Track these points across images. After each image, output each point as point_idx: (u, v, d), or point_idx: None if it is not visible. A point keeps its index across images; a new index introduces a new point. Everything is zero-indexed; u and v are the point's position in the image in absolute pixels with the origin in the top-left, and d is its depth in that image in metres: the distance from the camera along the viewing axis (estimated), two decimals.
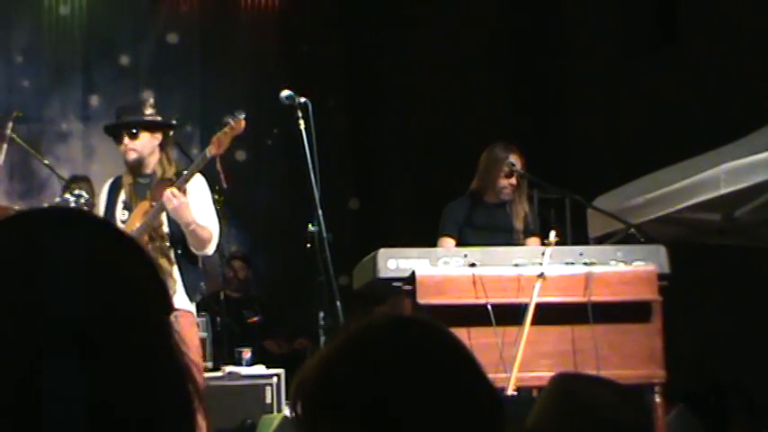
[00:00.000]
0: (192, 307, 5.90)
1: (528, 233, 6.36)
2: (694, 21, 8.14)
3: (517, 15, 9.71)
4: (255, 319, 9.17)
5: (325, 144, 5.94)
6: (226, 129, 5.70)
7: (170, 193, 5.62)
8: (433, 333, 1.53)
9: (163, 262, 5.81)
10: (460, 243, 6.44)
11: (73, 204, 6.33)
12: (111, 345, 1.09)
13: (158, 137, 6.00)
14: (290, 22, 10.39)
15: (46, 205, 6.16)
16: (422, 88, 9.74)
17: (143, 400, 1.09)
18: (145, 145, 5.94)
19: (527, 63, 9.55)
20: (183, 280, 5.87)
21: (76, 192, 6.46)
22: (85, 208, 6.81)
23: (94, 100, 10.27)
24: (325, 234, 5.62)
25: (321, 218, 5.65)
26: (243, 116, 5.72)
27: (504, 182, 6.46)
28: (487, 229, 6.49)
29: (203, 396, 1.15)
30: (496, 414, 1.50)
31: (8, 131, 7.49)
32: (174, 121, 6.30)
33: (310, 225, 5.69)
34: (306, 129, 5.73)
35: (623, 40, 8.36)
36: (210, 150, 5.70)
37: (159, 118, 6.10)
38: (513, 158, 6.47)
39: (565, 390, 2.45)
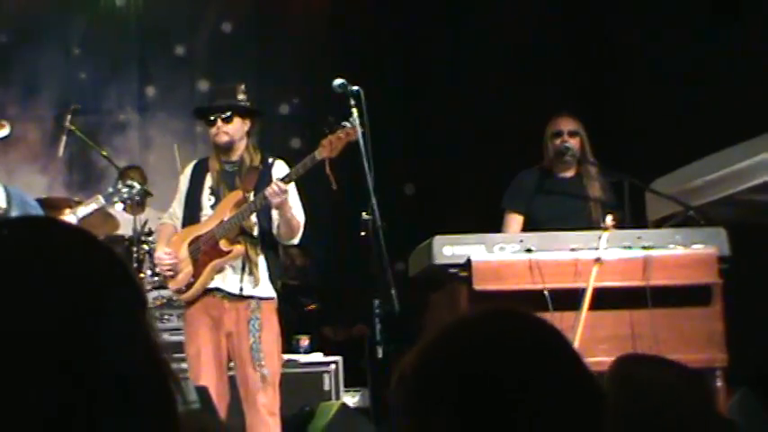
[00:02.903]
0: (274, 294, 5.97)
1: (606, 208, 6.28)
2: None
3: None
4: (313, 306, 9.19)
5: (380, 130, 5.94)
6: (340, 133, 5.71)
7: (276, 189, 5.64)
8: (527, 323, 1.55)
9: (251, 253, 5.88)
10: (530, 216, 6.42)
11: (125, 194, 6.38)
12: (99, 347, 1.11)
13: (248, 123, 6.08)
14: (345, 10, 10.37)
15: (83, 209, 6.20)
16: (477, 72, 9.69)
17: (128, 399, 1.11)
18: (237, 129, 6.01)
19: (583, 46, 9.46)
20: (267, 269, 5.93)
21: (128, 182, 6.50)
22: (137, 198, 6.86)
23: (150, 91, 10.33)
24: (379, 222, 5.62)
25: (375, 206, 5.65)
26: (358, 122, 5.71)
27: (557, 147, 6.44)
28: (560, 198, 6.46)
29: (184, 392, 1.19)
30: (600, 400, 1.50)
31: (67, 124, 7.58)
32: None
33: (364, 213, 5.69)
34: (359, 116, 5.73)
35: (684, 19, 8.25)
36: (321, 153, 5.72)
37: (249, 104, 6.15)
38: (564, 123, 6.46)
39: (625, 372, 2.44)
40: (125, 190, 6.36)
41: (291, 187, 5.89)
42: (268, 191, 5.69)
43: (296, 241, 6.05)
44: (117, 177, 8.03)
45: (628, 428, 2.20)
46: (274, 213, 5.86)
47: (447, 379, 1.46)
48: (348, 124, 5.71)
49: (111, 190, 6.41)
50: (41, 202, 6.89)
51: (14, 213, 6.11)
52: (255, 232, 5.95)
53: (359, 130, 5.69)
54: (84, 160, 9.52)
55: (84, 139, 7.64)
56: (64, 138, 7.61)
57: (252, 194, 5.91)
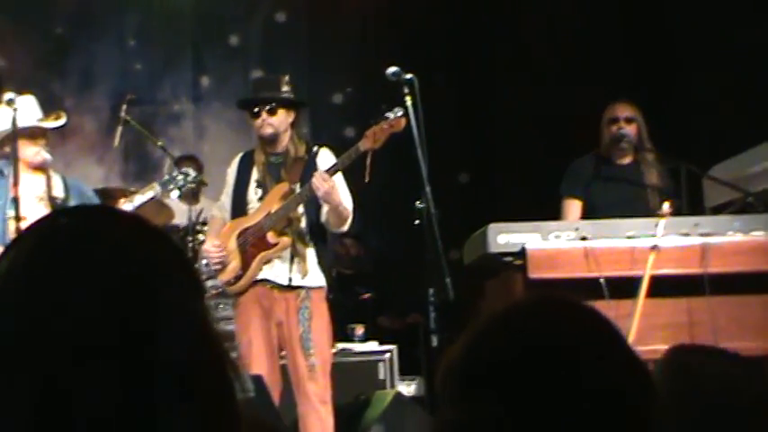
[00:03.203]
0: (324, 283, 6.00)
1: (664, 195, 6.23)
2: None
3: None
4: (368, 295, 9.21)
5: (435, 119, 5.92)
6: (383, 124, 5.72)
7: (320, 179, 5.65)
8: (577, 311, 1.54)
9: (299, 244, 5.91)
10: (588, 202, 6.39)
11: (181, 182, 6.42)
12: (157, 335, 1.12)
13: (292, 115, 6.10)
14: None
15: (139, 197, 6.25)
16: (533, 59, 9.64)
17: (187, 389, 1.11)
18: (281, 121, 6.03)
19: (642, 32, 9.38)
20: (317, 259, 5.97)
21: (183, 170, 6.54)
22: (193, 186, 6.90)
23: (205, 80, 10.39)
24: (432, 210, 5.61)
25: (429, 194, 5.64)
26: (401, 113, 5.71)
27: (613, 134, 6.41)
28: (617, 185, 6.42)
29: (243, 381, 1.18)
30: (651, 390, 1.49)
31: (122, 114, 7.63)
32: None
33: (418, 202, 5.68)
34: (412, 105, 5.72)
35: (745, 2, 8.14)
36: (364, 144, 5.74)
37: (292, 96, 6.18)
38: (621, 110, 6.43)
39: (680, 362, 2.42)
40: (180, 177, 6.40)
41: (339, 177, 5.89)
42: (313, 182, 5.70)
43: (345, 229, 6.07)
44: (172, 166, 8.09)
45: (682, 419, 2.18)
46: (323, 203, 5.87)
47: (496, 368, 1.45)
48: (392, 115, 5.71)
49: (167, 177, 6.46)
50: (98, 192, 6.97)
51: (73, 203, 6.18)
52: (303, 223, 5.97)
53: (403, 121, 5.68)
54: (139, 150, 9.59)
55: (139, 129, 7.69)
56: (119, 128, 7.67)
57: (298, 186, 5.92)
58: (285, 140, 6.05)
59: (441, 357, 1.55)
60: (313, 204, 5.90)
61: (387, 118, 5.71)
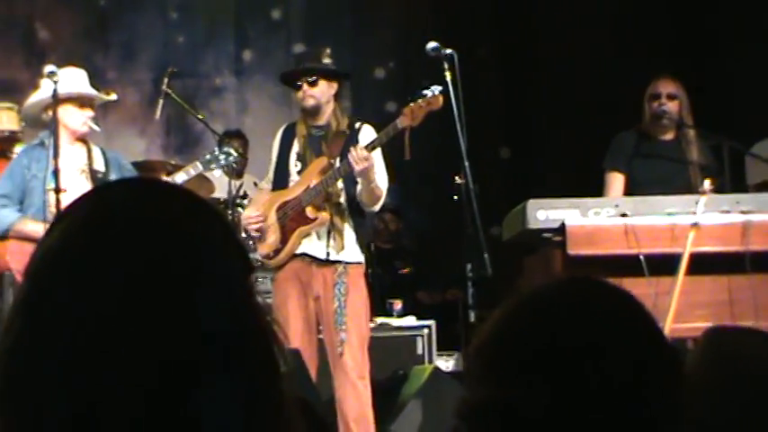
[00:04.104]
0: (361, 258, 6.02)
1: (705, 172, 6.20)
2: None
3: None
4: (407, 270, 9.23)
5: (476, 94, 5.93)
6: (421, 102, 5.71)
7: (359, 156, 5.67)
8: (608, 290, 1.53)
9: (336, 219, 5.93)
10: (630, 177, 6.37)
11: (223, 161, 6.46)
12: (202, 305, 1.12)
13: (334, 86, 6.07)
14: None
15: (181, 174, 6.32)
16: (575, 35, 9.59)
17: (230, 357, 1.12)
18: (323, 92, 6.01)
19: (683, 10, 9.31)
20: (354, 235, 5.98)
21: (226, 148, 6.57)
22: (234, 165, 6.94)
23: (247, 54, 10.41)
24: (471, 186, 5.61)
25: (468, 170, 5.64)
26: (439, 90, 5.71)
27: (655, 110, 6.38)
28: (659, 161, 6.39)
29: (286, 354, 1.18)
30: (681, 372, 1.49)
31: (164, 87, 7.66)
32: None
33: (457, 178, 5.68)
34: (452, 80, 5.71)
35: None
36: (402, 122, 5.72)
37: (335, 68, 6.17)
38: (663, 86, 6.39)
39: (715, 344, 2.41)
40: (222, 156, 6.44)
41: (377, 155, 5.89)
42: (350, 156, 5.70)
43: (377, 209, 6.08)
44: (218, 143, 8.12)
45: (718, 401, 2.16)
46: (358, 179, 5.87)
47: (523, 352, 1.46)
48: (429, 92, 5.70)
49: (208, 156, 6.50)
50: (139, 165, 7.02)
51: (113, 176, 6.24)
52: (341, 198, 5.98)
53: (441, 98, 5.68)
54: (181, 123, 9.64)
55: (180, 102, 7.71)
56: (161, 101, 7.69)
57: (337, 161, 5.92)
58: (327, 113, 6.05)
59: (473, 335, 1.56)
60: (351, 180, 5.90)
61: (425, 95, 5.70)
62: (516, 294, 1.55)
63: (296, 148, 6.09)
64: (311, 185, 5.94)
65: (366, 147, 5.74)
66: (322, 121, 6.05)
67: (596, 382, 1.42)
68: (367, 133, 6.01)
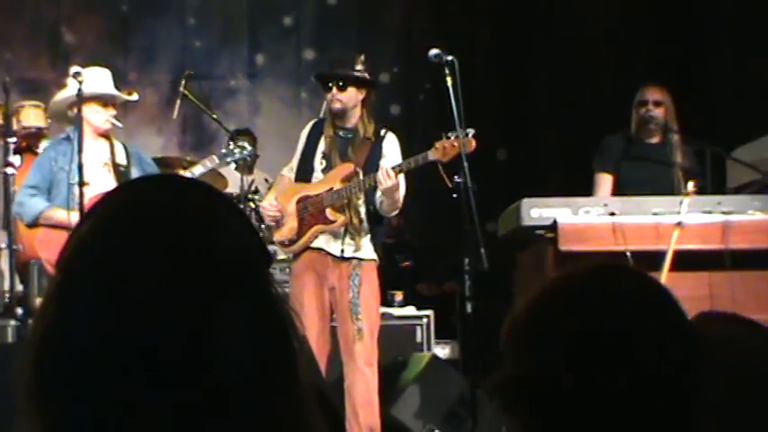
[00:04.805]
0: (375, 255, 6.04)
1: (689, 175, 6.22)
2: None
3: None
4: (408, 263, 9.24)
5: (475, 98, 5.95)
6: (455, 142, 5.67)
7: (386, 175, 5.68)
8: (632, 275, 1.55)
9: (355, 222, 5.93)
10: (619, 178, 6.39)
11: (237, 155, 6.49)
12: (227, 296, 1.12)
13: (363, 93, 6.05)
14: None
15: (199, 168, 6.35)
16: (568, 44, 9.60)
17: (250, 348, 1.11)
18: (350, 98, 6.00)
19: (670, 22, 9.31)
20: (370, 235, 5.99)
21: (240, 143, 6.60)
22: (248, 159, 6.95)
23: (260, 59, 10.43)
24: (470, 185, 5.63)
25: (466, 170, 5.67)
26: (472, 134, 5.70)
27: (642, 116, 6.40)
28: (645, 164, 6.41)
29: (302, 341, 1.17)
30: (697, 348, 1.50)
31: (181, 89, 7.69)
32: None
33: (456, 177, 5.71)
34: (452, 85, 5.73)
35: None
36: (434, 154, 5.71)
37: (367, 75, 6.16)
38: (650, 93, 6.42)
39: (699, 328, 2.42)
40: (237, 151, 6.48)
41: (393, 150, 5.95)
42: (378, 177, 5.70)
43: (393, 215, 6.10)
44: (228, 139, 8.14)
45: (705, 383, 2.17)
46: (381, 193, 5.88)
47: (559, 329, 1.47)
48: (463, 134, 5.67)
49: (224, 151, 6.54)
50: (157, 161, 7.05)
51: (134, 170, 6.27)
52: (361, 204, 5.98)
53: (474, 142, 5.66)
54: (197, 123, 9.66)
55: (196, 103, 7.73)
56: (178, 102, 7.71)
57: (361, 170, 5.92)
58: (354, 118, 6.03)
59: (479, 323, 1.57)
60: (373, 189, 5.90)
61: (458, 137, 5.68)
62: (549, 278, 1.57)
63: (322, 146, 6.08)
64: (335, 188, 5.94)
65: (394, 168, 5.74)
66: (349, 124, 6.04)
67: (624, 364, 1.43)
68: (391, 142, 6.01)
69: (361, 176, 5.90)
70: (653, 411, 1.43)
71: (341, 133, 6.05)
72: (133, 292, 1.09)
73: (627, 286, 1.51)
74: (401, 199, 5.93)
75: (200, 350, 1.08)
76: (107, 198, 1.19)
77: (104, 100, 6.16)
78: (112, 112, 6.22)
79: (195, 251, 1.12)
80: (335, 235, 5.94)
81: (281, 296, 1.17)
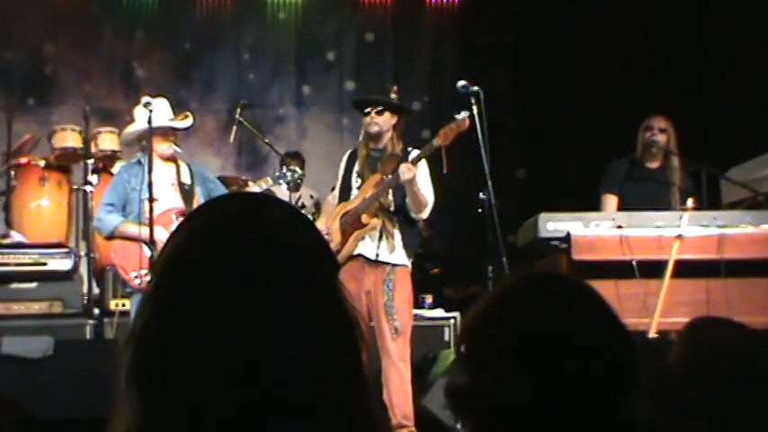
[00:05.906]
0: (407, 262, 6.04)
1: (687, 194, 6.24)
2: None
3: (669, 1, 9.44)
4: (437, 270, 9.26)
5: (497, 124, 5.99)
6: (452, 125, 5.79)
7: (406, 168, 5.76)
8: (570, 285, 1.55)
9: (387, 225, 5.97)
10: (623, 198, 6.41)
11: (289, 177, 6.58)
12: (299, 298, 1.14)
13: (395, 118, 6.13)
14: (467, 20, 10.40)
15: (255, 187, 6.43)
16: (581, 74, 9.61)
17: (319, 344, 1.13)
18: (386, 121, 6.08)
19: (673, 53, 9.29)
20: (402, 240, 6.03)
21: (291, 167, 6.69)
22: (298, 181, 7.01)
23: (306, 89, 10.51)
24: (493, 201, 5.68)
25: (490, 188, 5.72)
26: (467, 115, 5.79)
27: (647, 140, 6.41)
28: (647, 185, 6.42)
29: (366, 338, 1.19)
30: (634, 355, 1.48)
31: (237, 116, 7.78)
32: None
33: (481, 194, 5.76)
34: (478, 113, 5.78)
35: (760, 20, 8.04)
36: (437, 141, 5.81)
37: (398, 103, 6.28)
38: (656, 121, 6.44)
39: (695, 332, 2.40)
40: (289, 174, 6.56)
41: (423, 167, 5.98)
42: (400, 168, 5.79)
43: (424, 216, 6.10)
44: (280, 162, 8.22)
45: (697, 387, 2.14)
46: (406, 189, 5.93)
47: (503, 331, 1.47)
48: (459, 117, 5.78)
49: (277, 173, 6.63)
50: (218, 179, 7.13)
51: (197, 188, 6.34)
52: (392, 207, 6.04)
53: (467, 121, 5.75)
54: (250, 146, 9.72)
55: (250, 129, 7.82)
56: (234, 128, 7.79)
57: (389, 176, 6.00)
58: (386, 138, 6.09)
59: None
60: (401, 192, 5.95)
61: (455, 120, 5.80)
62: (491, 289, 1.57)
63: (356, 167, 6.18)
64: (367, 196, 6.02)
65: (411, 160, 5.84)
66: (381, 144, 6.11)
67: (565, 362, 1.41)
68: (414, 155, 6.09)
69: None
70: (593, 405, 1.41)
71: (373, 153, 6.13)
72: (218, 294, 1.11)
73: (565, 292, 1.51)
74: (427, 198, 5.95)
75: (263, 350, 1.09)
76: (197, 212, 1.22)
77: (164, 131, 6.25)
78: (173, 139, 6.31)
79: (273, 261, 1.14)
80: (371, 239, 6.00)
81: (347, 298, 1.20)
